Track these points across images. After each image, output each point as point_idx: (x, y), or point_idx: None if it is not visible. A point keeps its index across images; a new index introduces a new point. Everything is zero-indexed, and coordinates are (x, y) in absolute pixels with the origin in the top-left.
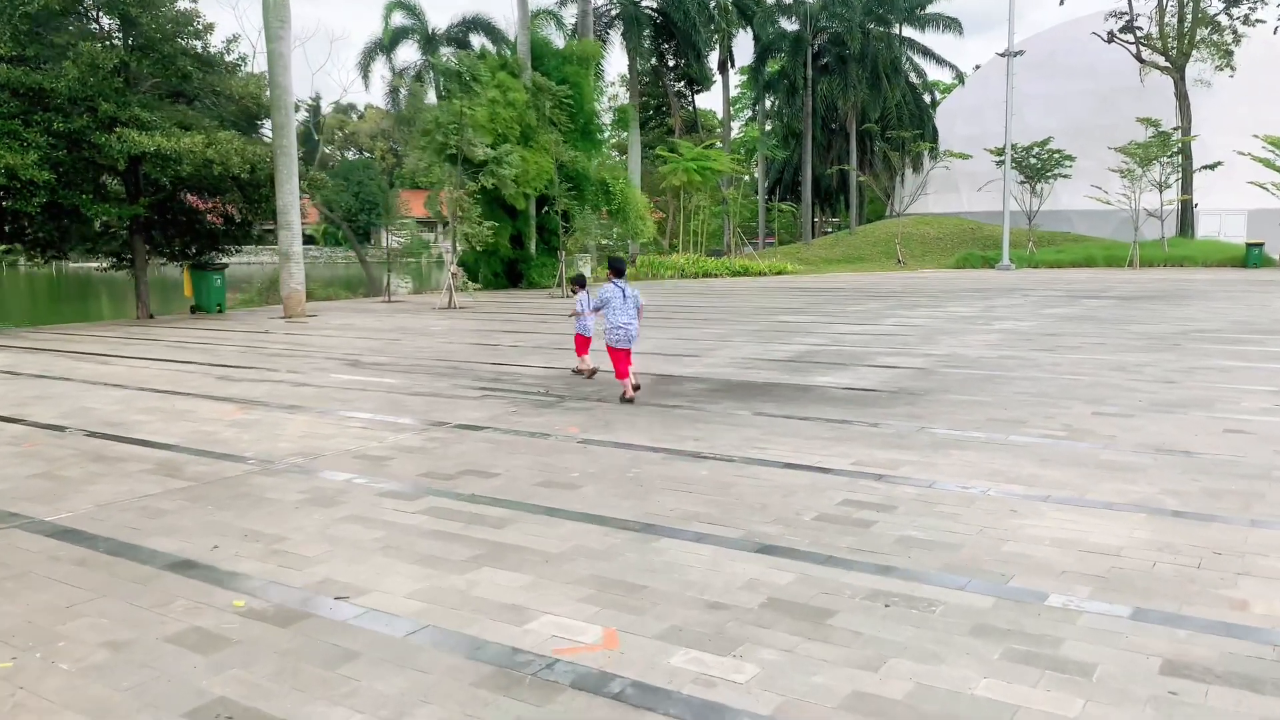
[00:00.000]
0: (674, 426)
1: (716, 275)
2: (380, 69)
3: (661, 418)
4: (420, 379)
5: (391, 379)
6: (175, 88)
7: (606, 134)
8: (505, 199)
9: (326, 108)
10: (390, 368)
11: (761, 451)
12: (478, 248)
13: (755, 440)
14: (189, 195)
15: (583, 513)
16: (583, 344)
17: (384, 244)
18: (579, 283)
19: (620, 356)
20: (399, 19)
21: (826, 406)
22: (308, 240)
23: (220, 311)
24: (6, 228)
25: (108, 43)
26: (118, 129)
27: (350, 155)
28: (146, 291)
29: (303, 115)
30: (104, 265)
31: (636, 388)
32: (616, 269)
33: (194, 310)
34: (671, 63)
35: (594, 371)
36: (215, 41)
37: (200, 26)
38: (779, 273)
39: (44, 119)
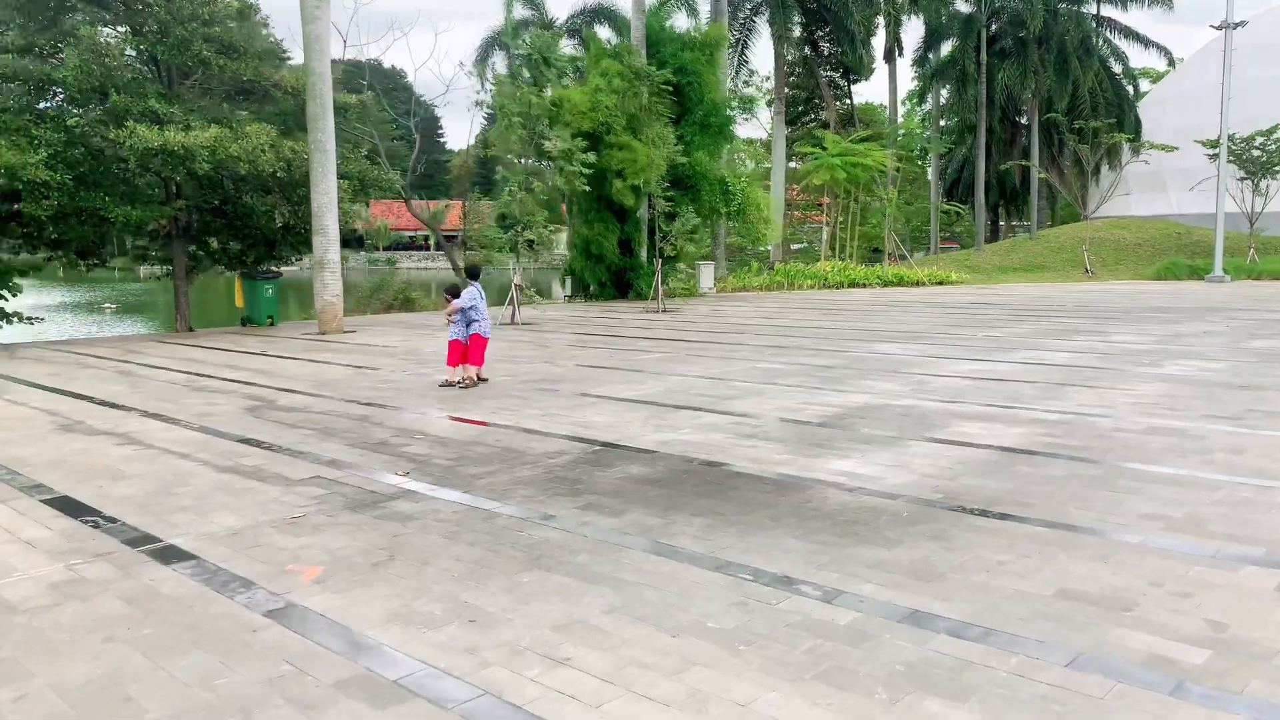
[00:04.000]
0: (480, 578)
1: (865, 285)
2: (499, 65)
3: (490, 549)
4: (294, 438)
5: (257, 438)
6: (241, 84)
7: (741, 126)
8: (612, 200)
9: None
10: (290, 417)
11: (541, 677)
12: (536, 251)
13: (570, 635)
14: (245, 197)
15: None
16: (456, 351)
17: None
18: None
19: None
20: (520, 11)
21: (788, 535)
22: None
23: (271, 324)
24: (47, 234)
25: (114, 27)
26: (128, 123)
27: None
28: (186, 302)
29: (481, 123)
30: (157, 273)
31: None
32: (473, 274)
33: (244, 322)
34: (826, 50)
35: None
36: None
37: (222, 8)
38: (939, 283)
39: (57, 114)
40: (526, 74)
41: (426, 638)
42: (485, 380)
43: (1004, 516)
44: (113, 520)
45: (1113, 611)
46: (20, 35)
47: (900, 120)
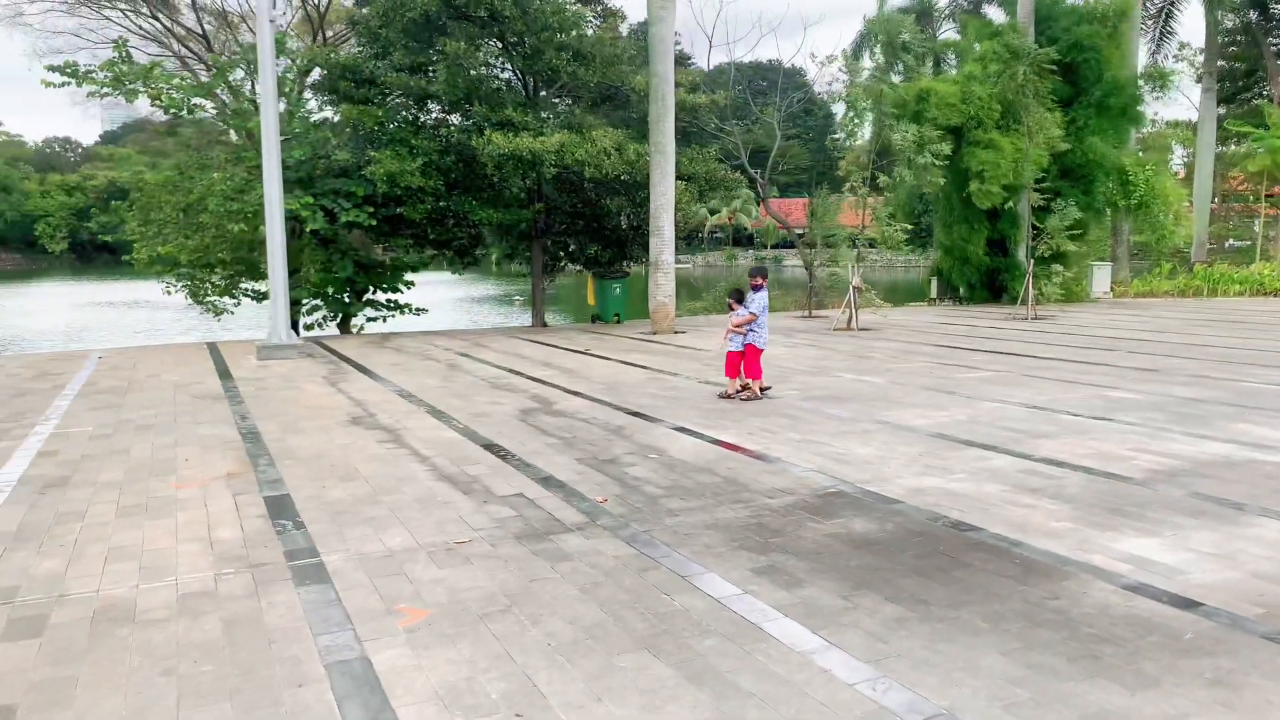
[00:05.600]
0: (577, 653)
1: None
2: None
3: (617, 613)
4: (534, 447)
5: (502, 444)
6: (602, 91)
7: (1158, 106)
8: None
9: None
10: (551, 423)
11: None
12: (878, 249)
13: None
14: (603, 200)
15: None
16: (733, 362)
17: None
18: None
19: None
20: None
21: (994, 648)
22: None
23: (618, 321)
24: (429, 235)
25: (475, 42)
26: (487, 132)
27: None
28: (542, 298)
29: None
30: (522, 271)
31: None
32: (761, 275)
33: (594, 319)
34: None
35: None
36: (591, 32)
37: (572, 15)
38: None
39: (433, 125)
40: (896, 63)
41: None
42: (768, 389)
43: None
44: (300, 526)
45: None
46: (405, 54)
47: None
